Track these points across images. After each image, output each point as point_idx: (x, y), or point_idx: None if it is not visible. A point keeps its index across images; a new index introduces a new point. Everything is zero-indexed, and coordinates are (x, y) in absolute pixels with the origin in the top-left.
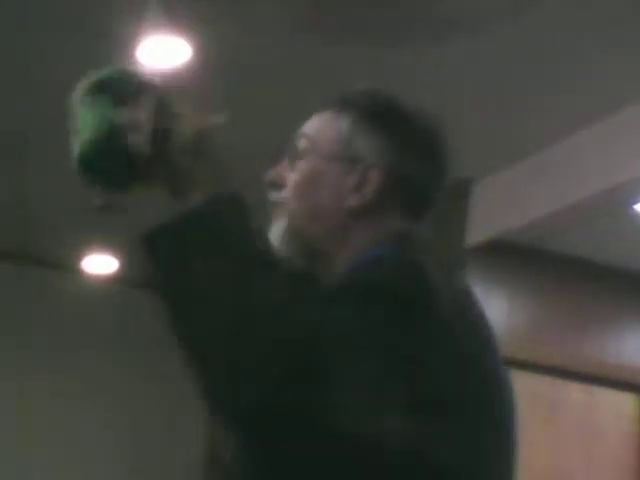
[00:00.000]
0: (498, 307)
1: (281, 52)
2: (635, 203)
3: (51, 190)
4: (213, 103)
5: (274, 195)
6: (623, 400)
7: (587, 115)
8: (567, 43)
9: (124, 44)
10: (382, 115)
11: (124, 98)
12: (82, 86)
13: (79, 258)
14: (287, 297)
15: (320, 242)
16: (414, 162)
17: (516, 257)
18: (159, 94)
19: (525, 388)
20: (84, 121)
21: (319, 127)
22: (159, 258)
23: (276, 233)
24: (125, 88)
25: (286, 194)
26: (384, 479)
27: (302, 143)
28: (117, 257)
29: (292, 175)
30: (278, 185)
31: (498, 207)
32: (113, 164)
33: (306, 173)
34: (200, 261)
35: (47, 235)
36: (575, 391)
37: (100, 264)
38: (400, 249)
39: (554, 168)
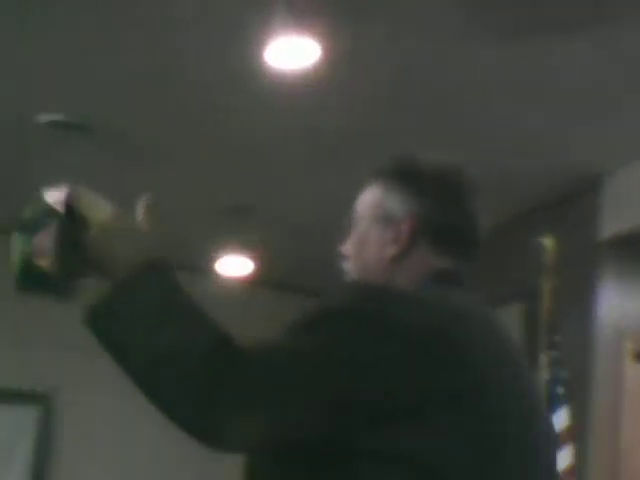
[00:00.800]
0: (633, 300)
1: (412, 52)
2: None
3: (184, 192)
4: (341, 103)
5: (344, 266)
6: None
7: None
8: None
9: (253, 45)
10: (405, 177)
11: (33, 231)
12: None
13: (212, 260)
14: (199, 346)
15: None
16: (437, 210)
17: None
18: (62, 216)
19: None
20: (13, 258)
21: (363, 199)
22: (95, 332)
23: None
24: (35, 222)
25: (349, 262)
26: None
27: (354, 216)
28: (252, 258)
29: (350, 244)
30: (345, 256)
31: (630, 200)
32: (41, 285)
33: (357, 239)
34: (121, 333)
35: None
36: None
37: (235, 265)
38: (432, 284)
39: None
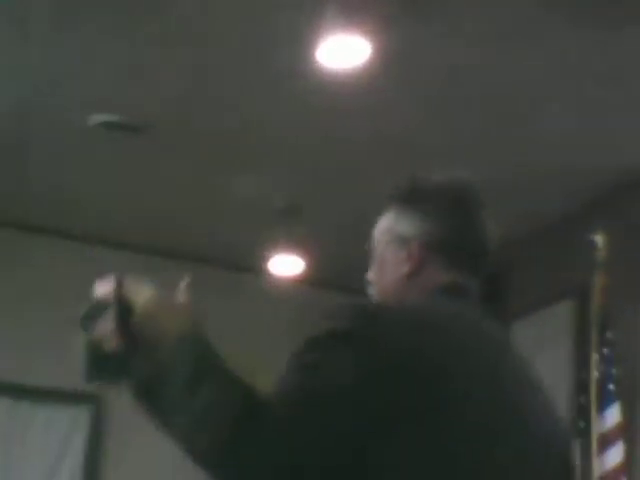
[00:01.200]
0: None
1: (465, 51)
2: None
3: (237, 192)
4: (391, 101)
5: (369, 291)
6: None
7: None
8: None
9: (305, 45)
10: (411, 199)
11: (93, 322)
12: None
13: (265, 259)
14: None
15: (393, 301)
16: (443, 227)
17: None
18: (115, 302)
19: None
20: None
21: (379, 226)
22: (141, 403)
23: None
24: (93, 315)
25: (372, 287)
26: None
27: (373, 243)
28: (303, 257)
29: (372, 270)
30: (370, 282)
31: None
32: (108, 369)
33: (376, 262)
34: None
35: (233, 237)
36: None
37: (286, 265)
38: (436, 297)
39: None
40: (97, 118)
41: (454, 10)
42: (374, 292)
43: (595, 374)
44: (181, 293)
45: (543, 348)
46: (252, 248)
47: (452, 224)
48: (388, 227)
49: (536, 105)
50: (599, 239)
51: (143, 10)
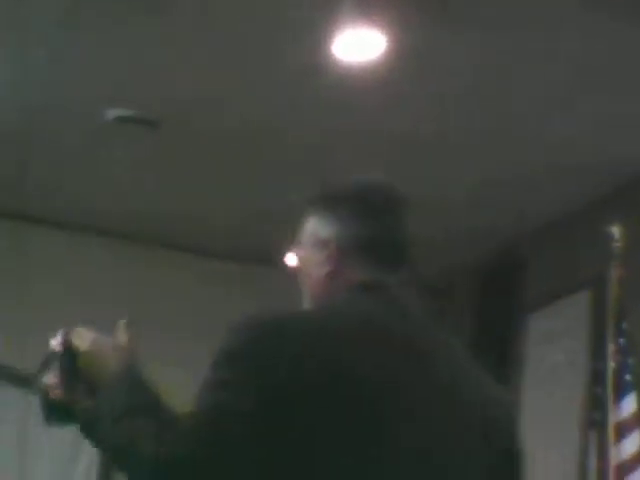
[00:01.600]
0: None
1: (477, 48)
2: None
3: (255, 186)
4: (406, 96)
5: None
6: None
7: None
8: None
9: (321, 39)
10: (328, 202)
11: (44, 373)
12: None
13: (282, 252)
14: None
15: (319, 300)
16: (357, 227)
17: None
18: (60, 353)
19: None
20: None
21: (303, 231)
22: (84, 435)
23: (304, 300)
24: (44, 366)
25: (302, 287)
26: None
27: (299, 247)
28: None
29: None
30: (300, 283)
31: None
32: (60, 414)
33: (302, 265)
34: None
35: (250, 230)
36: None
37: None
38: (353, 296)
39: None
40: (109, 114)
41: (469, 6)
42: (303, 293)
43: (612, 365)
44: (120, 332)
45: (559, 339)
46: (268, 241)
47: (367, 224)
48: (310, 230)
49: (556, 99)
50: (616, 230)
51: (144, 10)
